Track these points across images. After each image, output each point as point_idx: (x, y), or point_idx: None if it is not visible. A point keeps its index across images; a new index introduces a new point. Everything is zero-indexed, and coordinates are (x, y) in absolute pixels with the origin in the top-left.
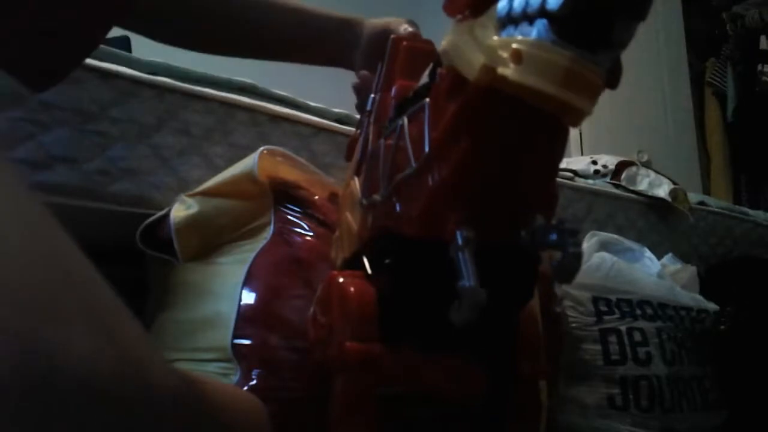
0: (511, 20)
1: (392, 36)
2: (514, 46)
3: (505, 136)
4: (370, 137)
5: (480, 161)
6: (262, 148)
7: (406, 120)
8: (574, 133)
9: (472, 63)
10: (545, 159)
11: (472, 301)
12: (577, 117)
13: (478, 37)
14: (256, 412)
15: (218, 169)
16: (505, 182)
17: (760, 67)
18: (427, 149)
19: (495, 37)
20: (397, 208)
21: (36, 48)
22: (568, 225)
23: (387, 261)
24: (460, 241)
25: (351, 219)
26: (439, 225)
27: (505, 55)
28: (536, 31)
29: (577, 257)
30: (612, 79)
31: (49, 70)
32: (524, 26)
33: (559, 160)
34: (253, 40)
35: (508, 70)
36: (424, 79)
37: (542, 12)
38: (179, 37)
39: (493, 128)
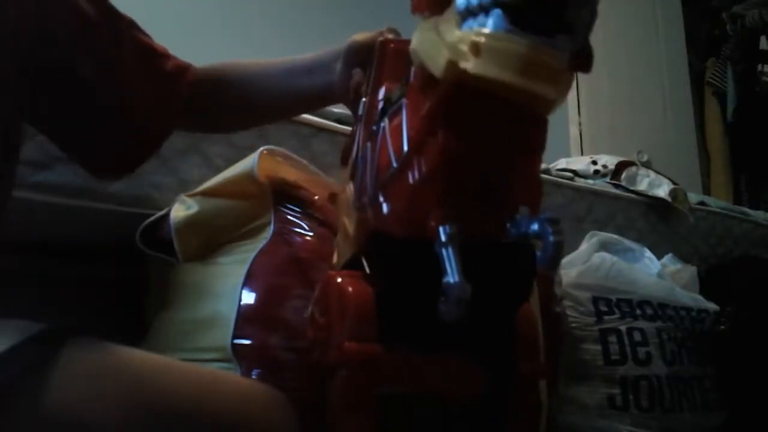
0: (470, 13)
1: (379, 39)
2: (473, 38)
3: (479, 129)
4: (360, 141)
5: (457, 155)
6: (262, 148)
7: (387, 121)
8: (574, 133)
9: (438, 60)
10: (524, 150)
11: (457, 297)
12: (545, 104)
13: (441, 33)
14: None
15: (218, 169)
16: (484, 176)
17: (760, 67)
18: (406, 148)
19: (456, 32)
20: (384, 208)
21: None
22: (548, 215)
23: (379, 262)
24: (443, 238)
25: (347, 224)
26: (423, 222)
27: (464, 48)
28: (492, 21)
29: (558, 245)
30: (582, 63)
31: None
32: (481, 18)
33: (541, 150)
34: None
35: (468, 64)
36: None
37: (496, 2)
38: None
39: (467, 121)
